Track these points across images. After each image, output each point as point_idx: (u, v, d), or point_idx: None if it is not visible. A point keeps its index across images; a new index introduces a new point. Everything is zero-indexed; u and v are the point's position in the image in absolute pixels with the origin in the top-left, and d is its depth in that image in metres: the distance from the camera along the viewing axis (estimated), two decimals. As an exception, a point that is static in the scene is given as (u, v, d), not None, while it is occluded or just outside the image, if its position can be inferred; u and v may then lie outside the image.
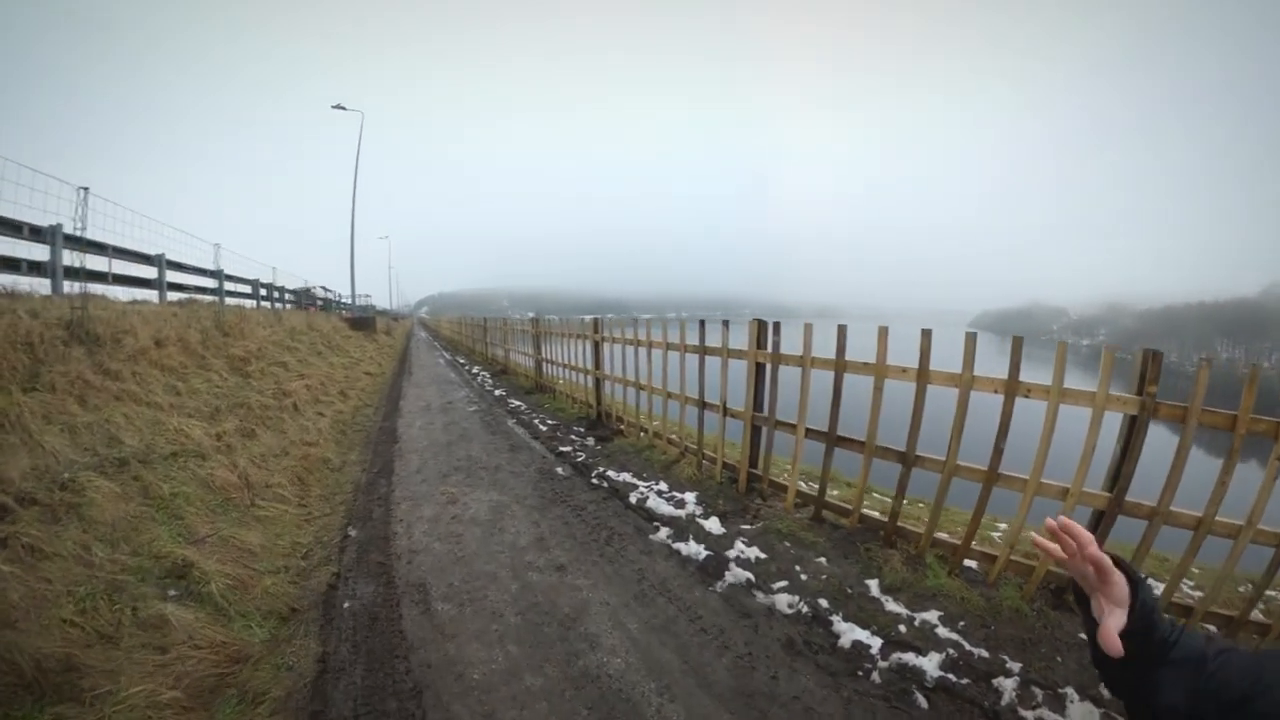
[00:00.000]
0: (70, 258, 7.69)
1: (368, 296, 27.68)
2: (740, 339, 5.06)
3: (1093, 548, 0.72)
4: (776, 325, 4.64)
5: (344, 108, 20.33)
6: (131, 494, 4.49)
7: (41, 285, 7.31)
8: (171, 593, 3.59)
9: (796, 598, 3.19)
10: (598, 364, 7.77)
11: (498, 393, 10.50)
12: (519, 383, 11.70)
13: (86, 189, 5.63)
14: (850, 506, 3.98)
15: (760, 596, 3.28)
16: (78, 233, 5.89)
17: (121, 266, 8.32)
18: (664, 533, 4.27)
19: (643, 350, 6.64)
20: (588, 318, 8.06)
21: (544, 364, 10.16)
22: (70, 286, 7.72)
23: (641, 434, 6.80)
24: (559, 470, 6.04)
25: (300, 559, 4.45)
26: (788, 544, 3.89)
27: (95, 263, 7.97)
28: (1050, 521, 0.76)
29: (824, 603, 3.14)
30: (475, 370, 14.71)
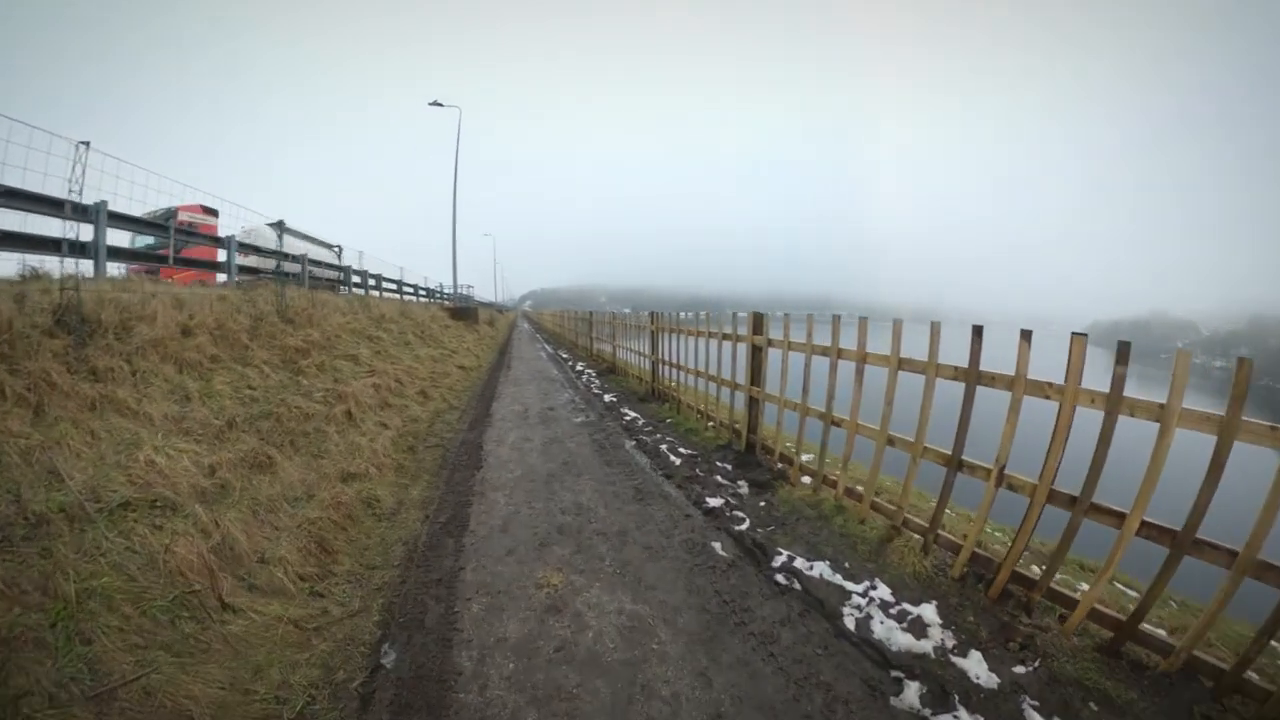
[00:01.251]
0: (123, 238, 6.37)
1: (470, 287, 26.98)
2: (1048, 363, 2.90)
3: None
4: (1124, 349, 2.54)
5: (441, 104, 19.46)
6: (21, 590, 2.56)
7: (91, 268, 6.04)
8: None
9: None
10: (755, 378, 5.18)
11: (608, 398, 8.24)
12: (630, 386, 9.40)
13: (86, 144, 3.95)
14: (1174, 641, 2.49)
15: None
16: (73, 197, 4.25)
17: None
18: (912, 691, 2.47)
19: (845, 365, 4.02)
20: (704, 312, 5.53)
21: (664, 367, 7.74)
22: (117, 270, 6.39)
23: (822, 485, 4.21)
24: (716, 547, 3.61)
25: (287, 726, 2.27)
26: (1093, 705, 2.35)
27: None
28: None
29: None
30: (579, 367, 12.70)
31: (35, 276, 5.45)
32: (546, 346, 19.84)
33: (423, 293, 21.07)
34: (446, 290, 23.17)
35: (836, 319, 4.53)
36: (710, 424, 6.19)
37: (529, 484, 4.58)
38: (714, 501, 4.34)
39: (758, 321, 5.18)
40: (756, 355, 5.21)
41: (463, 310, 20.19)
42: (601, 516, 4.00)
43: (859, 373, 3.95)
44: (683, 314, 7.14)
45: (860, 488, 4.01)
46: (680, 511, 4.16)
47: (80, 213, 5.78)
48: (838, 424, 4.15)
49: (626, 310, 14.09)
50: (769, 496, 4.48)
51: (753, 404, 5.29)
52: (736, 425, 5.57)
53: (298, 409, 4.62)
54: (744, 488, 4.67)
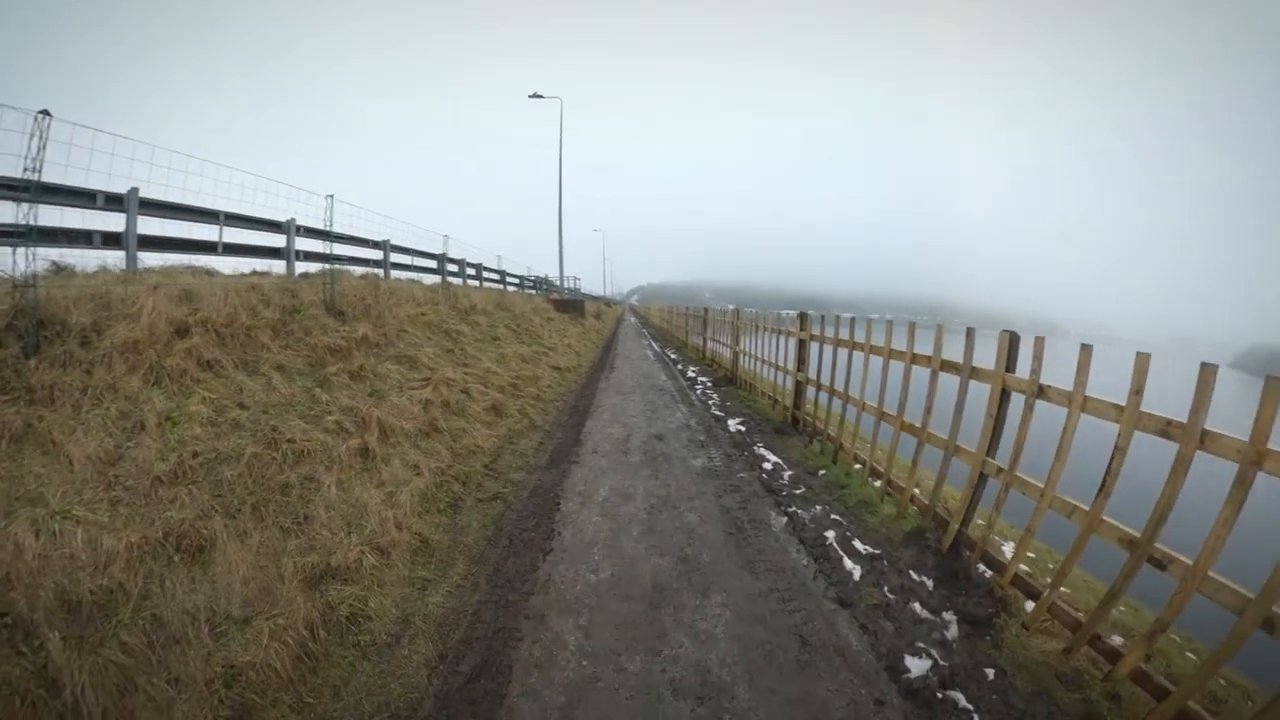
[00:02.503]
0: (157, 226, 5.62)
1: (577, 279, 26.04)
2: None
3: None
4: None
5: (541, 95, 18.55)
6: None
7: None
8: None
9: None
10: (992, 441, 3.01)
11: (733, 425, 6.29)
12: (759, 406, 7.37)
13: (47, 113, 2.81)
14: None
15: None
16: (27, 175, 3.20)
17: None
18: None
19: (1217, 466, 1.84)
20: (917, 321, 3.34)
21: (815, 391, 5.57)
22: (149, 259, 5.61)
23: (1084, 643, 2.07)
24: None
25: None
26: None
27: (209, 232, 6.02)
28: None
29: None
30: (691, 373, 10.83)
31: (57, 272, 4.71)
32: (653, 344, 18.24)
33: (528, 284, 20.39)
34: (553, 282, 22.39)
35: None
36: (883, 487, 4.04)
37: (621, 604, 2.80)
38: (917, 665, 2.46)
39: (1010, 348, 2.98)
40: (1002, 406, 3.02)
41: (569, 303, 19.21)
42: (742, 707, 2.11)
43: (1243, 482, 1.77)
44: (832, 314, 5.01)
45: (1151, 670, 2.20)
46: (869, 691, 2.24)
47: (113, 202, 5.06)
48: (1161, 565, 2.01)
49: (729, 306, 12.25)
50: (993, 650, 2.56)
51: (980, 483, 3.11)
52: (942, 510, 3.42)
53: (289, 444, 3.24)
54: (953, 627, 2.71)
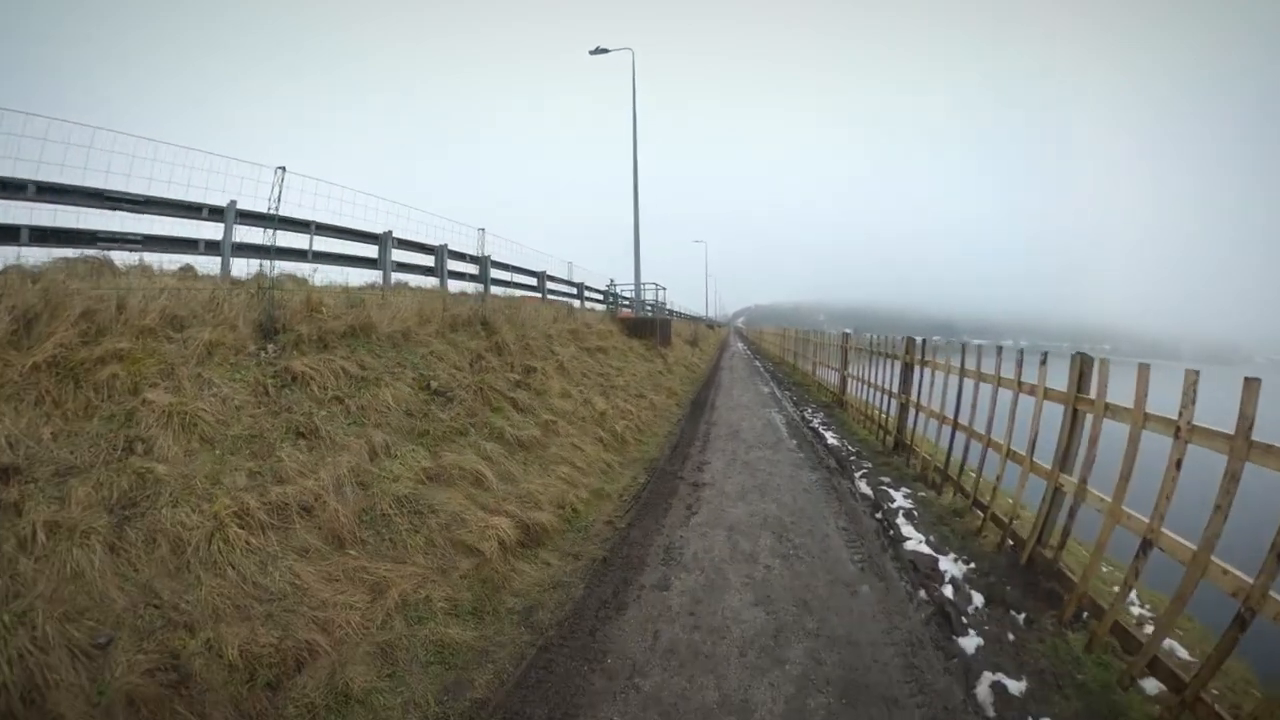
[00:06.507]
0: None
1: (661, 289, 19.93)
2: None
3: None
4: None
5: (606, 50, 15.88)
6: None
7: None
8: None
9: None
10: None
11: None
12: None
13: None
14: None
15: None
16: None
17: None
18: None
19: None
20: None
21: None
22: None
23: None
24: None
25: None
26: None
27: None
28: None
29: None
30: (898, 514, 4.67)
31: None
32: (778, 394, 12.04)
33: (592, 294, 15.10)
34: (627, 293, 16.91)
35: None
36: None
37: None
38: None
39: None
40: None
41: (644, 324, 13.65)
42: None
43: None
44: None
45: None
46: None
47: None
48: None
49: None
50: None
51: None
52: None
53: None
54: None
